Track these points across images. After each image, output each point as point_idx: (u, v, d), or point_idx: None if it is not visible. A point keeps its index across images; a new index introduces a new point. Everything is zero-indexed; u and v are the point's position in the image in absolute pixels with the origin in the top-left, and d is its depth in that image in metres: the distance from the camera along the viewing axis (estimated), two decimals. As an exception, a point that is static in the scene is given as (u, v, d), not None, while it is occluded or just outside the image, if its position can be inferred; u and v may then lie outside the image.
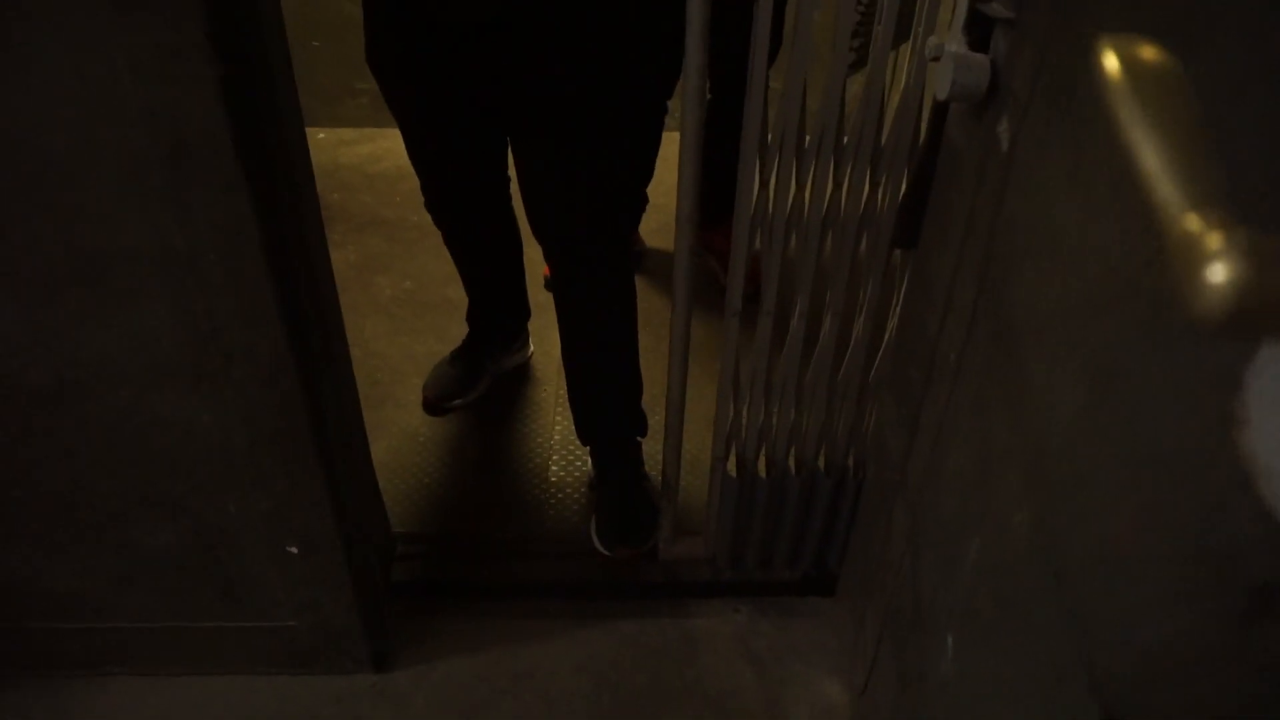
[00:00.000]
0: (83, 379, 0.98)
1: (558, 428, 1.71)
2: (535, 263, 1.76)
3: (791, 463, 1.31)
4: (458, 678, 1.28)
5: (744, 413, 1.26)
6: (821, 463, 1.32)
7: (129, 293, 0.92)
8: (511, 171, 1.41)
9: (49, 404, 1.00)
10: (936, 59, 0.94)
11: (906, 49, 1.08)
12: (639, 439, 1.52)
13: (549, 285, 2.07)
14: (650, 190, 1.48)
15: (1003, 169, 0.78)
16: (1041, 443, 0.62)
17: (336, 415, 1.11)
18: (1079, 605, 0.55)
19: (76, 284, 0.91)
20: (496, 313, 1.76)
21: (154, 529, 1.11)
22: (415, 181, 1.38)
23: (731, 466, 1.31)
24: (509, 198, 1.55)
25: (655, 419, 1.59)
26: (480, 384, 1.77)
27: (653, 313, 1.92)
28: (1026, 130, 0.72)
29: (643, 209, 1.41)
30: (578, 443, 1.56)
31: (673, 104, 1.26)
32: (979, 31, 0.88)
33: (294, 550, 1.13)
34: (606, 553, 1.42)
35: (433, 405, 1.72)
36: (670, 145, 1.42)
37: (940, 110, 1.00)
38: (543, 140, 1.22)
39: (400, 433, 1.69)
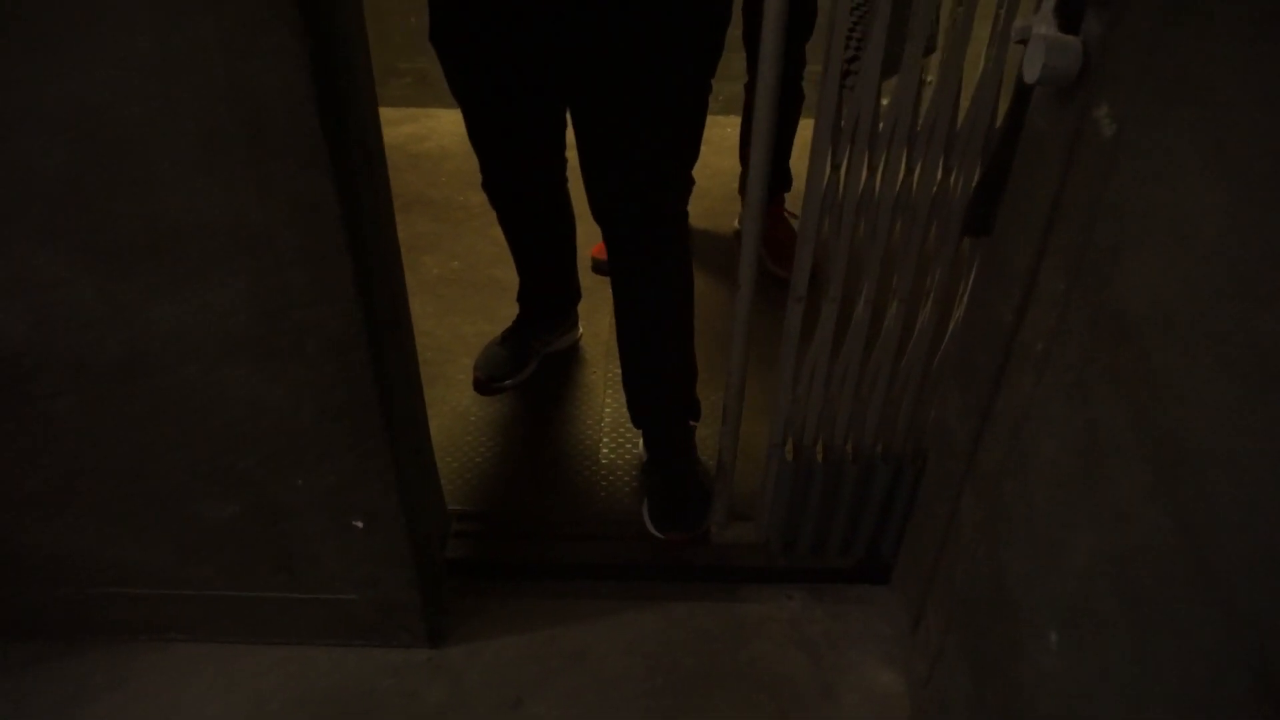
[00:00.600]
0: (155, 352, 0.99)
1: (608, 410, 1.71)
2: (584, 245, 1.75)
3: (849, 449, 1.30)
4: (511, 655, 1.29)
5: (804, 399, 1.25)
6: (879, 450, 1.31)
7: (204, 267, 0.93)
8: (570, 153, 1.41)
9: (121, 376, 1.01)
10: (1023, 41, 0.92)
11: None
12: (692, 423, 1.51)
13: (596, 268, 2.06)
14: (695, 172, 1.47)
15: (1105, 155, 0.76)
16: (1177, 437, 0.61)
17: (402, 391, 1.11)
18: (1242, 605, 0.53)
19: (153, 257, 0.92)
20: (547, 293, 1.77)
21: (220, 502, 1.13)
22: (460, 161, 1.39)
23: (788, 452, 1.31)
24: (565, 179, 1.55)
25: (706, 403, 1.59)
26: (530, 364, 1.78)
27: (698, 296, 1.91)
28: (1137, 114, 0.70)
29: (690, 189, 1.41)
30: (629, 425, 1.56)
31: (715, 85, 1.25)
32: (1070, 13, 0.86)
33: (359, 525, 1.14)
34: (659, 535, 1.42)
35: (483, 385, 1.73)
36: (713, 128, 1.41)
37: (1022, 94, 0.98)
38: (600, 115, 1.23)
39: (451, 412, 1.70)
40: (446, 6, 1.26)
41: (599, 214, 1.32)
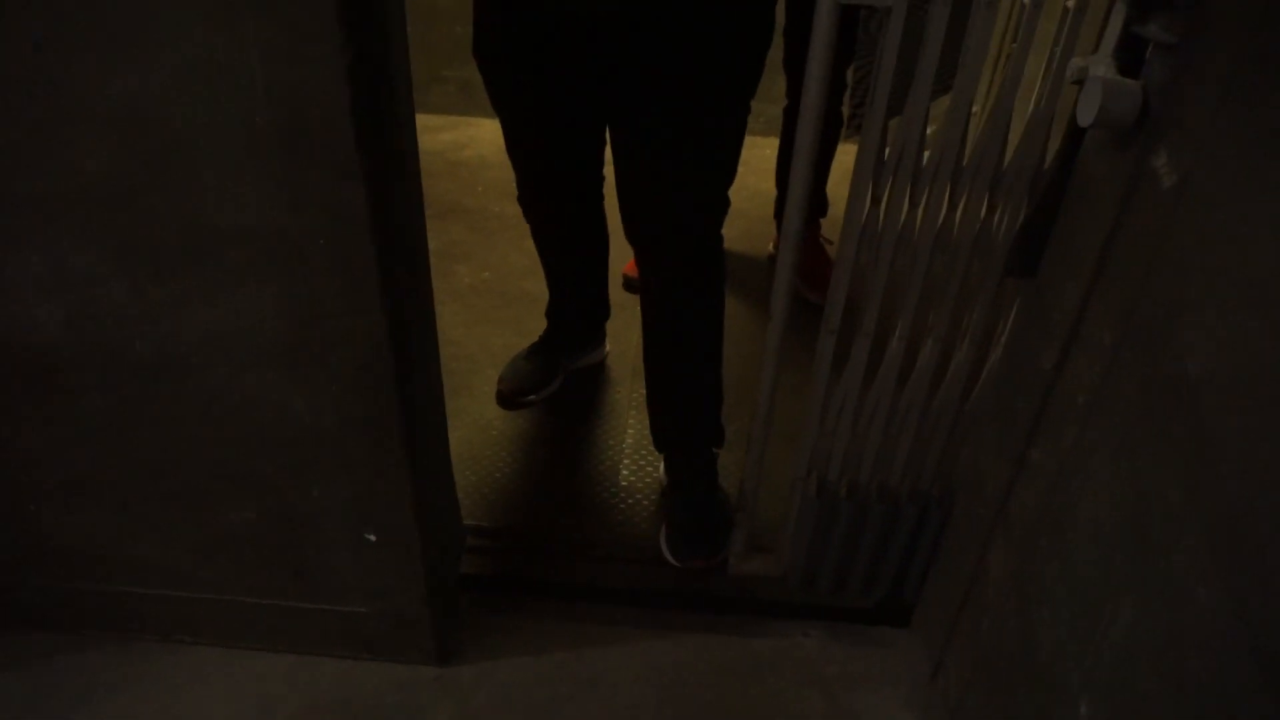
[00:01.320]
0: (184, 354, 0.99)
1: (630, 431, 1.69)
2: (615, 262, 1.74)
3: (874, 486, 1.27)
4: (520, 678, 1.27)
5: (831, 432, 1.23)
6: (905, 489, 1.27)
7: (237, 273, 0.92)
8: (607, 169, 1.40)
9: (150, 376, 1.01)
10: (1079, 82, 0.90)
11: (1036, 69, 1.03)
12: (716, 450, 1.49)
13: (628, 286, 2.05)
14: (732, 194, 1.46)
15: (1164, 206, 0.73)
16: (1236, 513, 0.58)
17: (425, 407, 1.10)
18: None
19: (187, 260, 0.92)
20: (577, 310, 1.75)
21: (238, 506, 1.12)
22: (499, 171, 1.39)
23: (811, 485, 1.28)
24: (601, 196, 1.54)
25: (731, 428, 1.56)
26: (555, 380, 1.76)
27: (728, 318, 1.89)
28: (1205, 166, 0.67)
29: (725, 211, 1.39)
30: (651, 448, 1.54)
31: (756, 107, 1.24)
32: (1131, 55, 0.83)
33: (372, 538, 1.13)
34: (676, 563, 1.40)
35: (507, 399, 1.72)
36: (751, 149, 1.40)
37: (1075, 136, 0.95)
38: (639, 135, 1.22)
39: (473, 424, 1.69)
40: (491, 21, 1.26)
41: (633, 233, 1.31)
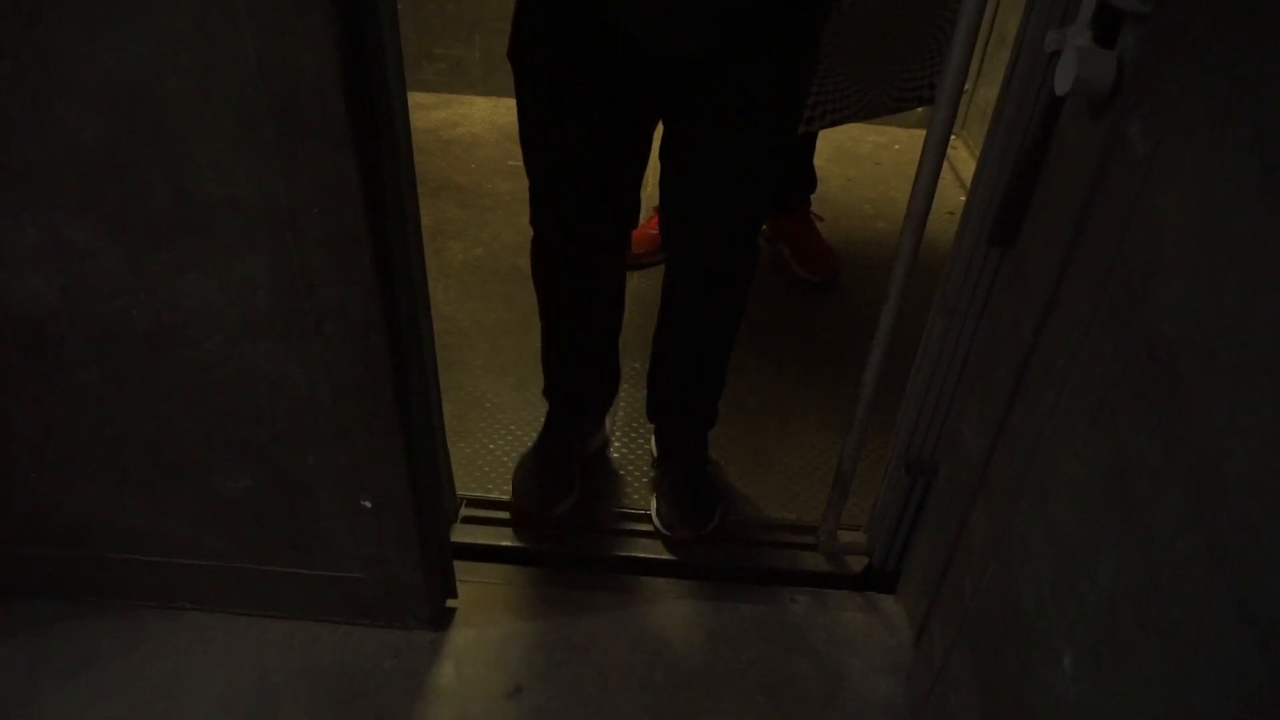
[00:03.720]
0: (180, 324, 1.01)
1: (622, 403, 1.71)
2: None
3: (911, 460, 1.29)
4: (513, 643, 1.30)
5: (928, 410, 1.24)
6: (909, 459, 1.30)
7: (231, 243, 0.94)
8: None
9: (146, 346, 1.03)
10: (1056, 53, 0.91)
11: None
12: (708, 429, 1.51)
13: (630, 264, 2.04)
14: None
15: (1138, 173, 0.74)
16: (1214, 467, 0.59)
17: (419, 375, 1.12)
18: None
19: (181, 230, 0.94)
20: (594, 385, 1.52)
21: (235, 474, 1.14)
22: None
23: (901, 465, 1.29)
24: (623, 260, 1.40)
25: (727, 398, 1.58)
26: (575, 484, 1.49)
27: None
28: (1177, 133, 0.69)
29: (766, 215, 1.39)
30: (642, 420, 1.56)
31: None
32: (1106, 26, 0.85)
33: (367, 505, 1.15)
34: (668, 534, 1.42)
35: (529, 519, 1.44)
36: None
37: (1052, 106, 0.97)
38: (699, 157, 1.17)
39: (466, 397, 1.71)
40: (534, 22, 1.10)
41: (675, 241, 1.27)
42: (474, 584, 1.37)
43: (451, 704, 1.22)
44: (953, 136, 1.70)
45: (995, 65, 2.64)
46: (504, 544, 1.43)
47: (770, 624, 1.34)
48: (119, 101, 0.85)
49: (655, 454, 1.56)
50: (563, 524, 1.44)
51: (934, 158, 1.07)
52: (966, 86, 1.16)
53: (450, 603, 1.34)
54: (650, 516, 1.46)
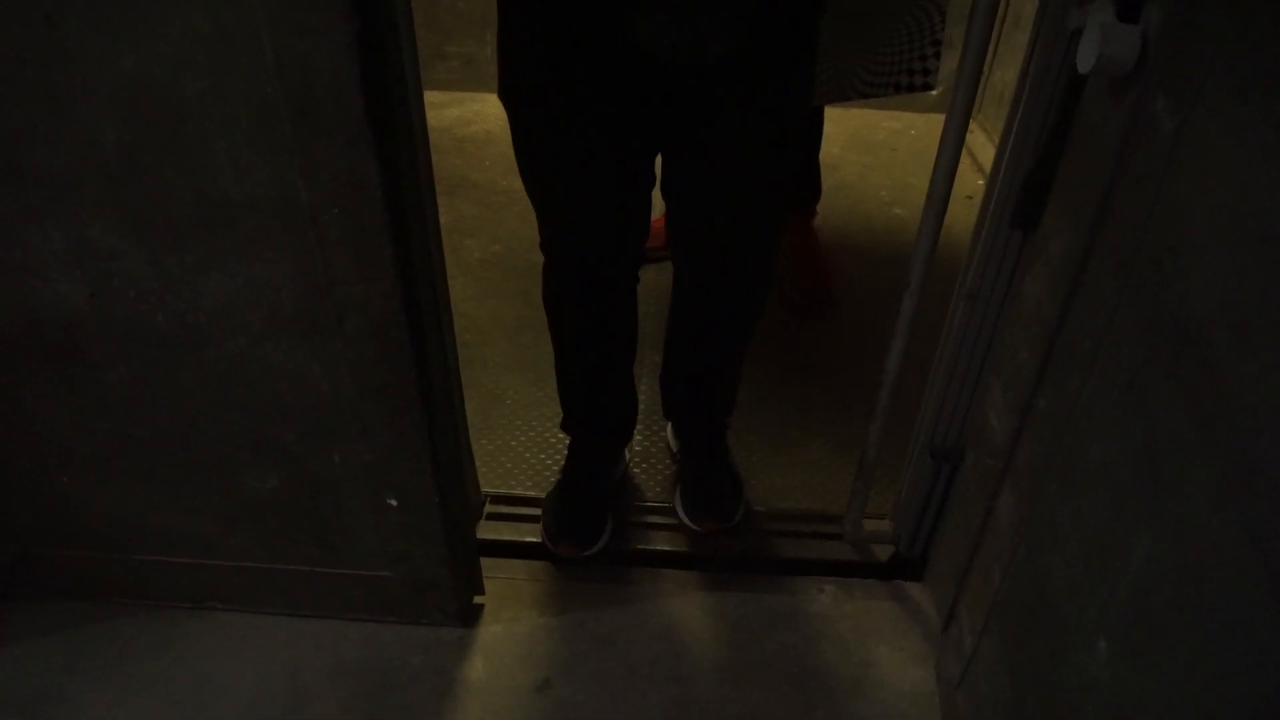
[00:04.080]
0: (204, 325, 1.01)
1: (642, 397, 1.71)
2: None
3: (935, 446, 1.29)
4: (541, 637, 1.30)
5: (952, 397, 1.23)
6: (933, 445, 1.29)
7: (252, 243, 0.94)
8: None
9: (171, 347, 1.04)
10: (1077, 31, 0.90)
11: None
12: (727, 418, 1.51)
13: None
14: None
15: (1164, 150, 0.73)
16: (1248, 446, 0.58)
17: (440, 372, 1.12)
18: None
19: (203, 231, 0.94)
20: (617, 416, 1.45)
21: (261, 474, 1.15)
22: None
23: (926, 452, 1.28)
24: (635, 290, 1.33)
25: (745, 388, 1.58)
26: (609, 522, 1.44)
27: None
28: (1204, 109, 0.68)
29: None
30: (659, 412, 1.56)
31: None
32: (1129, 1, 0.83)
33: (393, 502, 1.15)
34: (694, 526, 1.42)
35: (573, 558, 1.41)
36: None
37: (1074, 85, 0.95)
38: (714, 177, 1.12)
39: (487, 394, 1.71)
40: (538, 79, 1.05)
41: (691, 255, 1.22)
42: (500, 580, 1.38)
43: (481, 699, 1.22)
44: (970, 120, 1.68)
45: (1012, 48, 2.61)
46: (529, 540, 1.43)
47: (796, 614, 1.34)
48: (138, 102, 0.85)
49: (673, 449, 1.55)
50: (597, 559, 1.41)
51: (954, 140, 1.06)
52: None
53: (477, 599, 1.35)
54: (674, 510, 1.46)
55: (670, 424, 1.56)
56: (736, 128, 1.07)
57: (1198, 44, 0.71)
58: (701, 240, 1.20)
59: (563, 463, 1.48)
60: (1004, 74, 2.69)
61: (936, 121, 1.14)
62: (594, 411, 1.42)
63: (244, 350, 1.03)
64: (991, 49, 2.73)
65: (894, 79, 1.64)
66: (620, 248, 1.21)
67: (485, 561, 1.37)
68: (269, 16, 0.79)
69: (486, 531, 1.45)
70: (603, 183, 1.11)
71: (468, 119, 2.75)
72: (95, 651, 1.27)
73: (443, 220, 1.18)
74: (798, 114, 1.13)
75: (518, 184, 1.52)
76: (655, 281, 1.90)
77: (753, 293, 1.28)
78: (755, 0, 0.98)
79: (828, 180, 2.12)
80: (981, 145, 2.68)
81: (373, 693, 1.23)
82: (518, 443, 1.61)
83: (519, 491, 1.51)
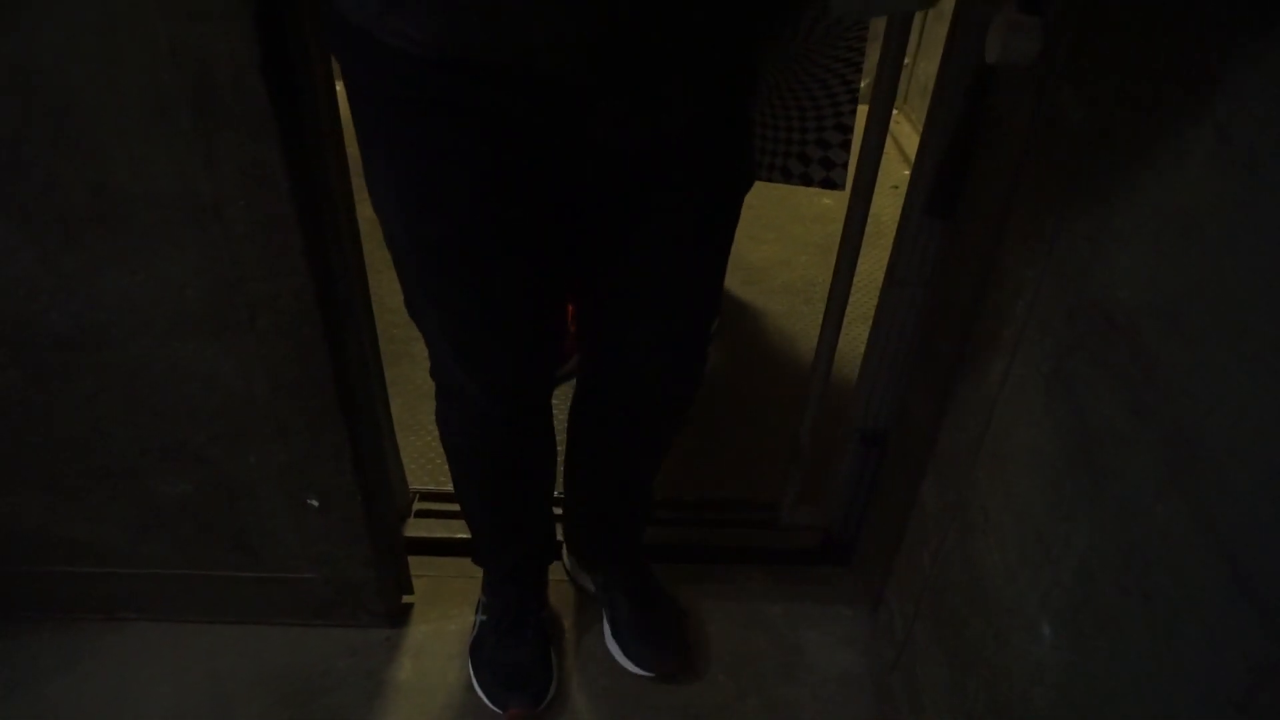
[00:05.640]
0: (103, 324, 0.97)
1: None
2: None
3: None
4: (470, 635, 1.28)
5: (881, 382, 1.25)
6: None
7: (153, 238, 0.90)
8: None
9: (68, 349, 0.99)
10: (986, 23, 0.92)
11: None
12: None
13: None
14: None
15: (1076, 139, 0.75)
16: (1188, 431, 0.59)
17: (358, 368, 1.09)
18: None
19: (98, 226, 0.90)
20: (532, 551, 1.27)
21: (172, 478, 1.11)
22: None
23: (856, 436, 1.30)
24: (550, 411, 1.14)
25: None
26: (553, 661, 1.23)
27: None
28: (1115, 99, 0.69)
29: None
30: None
31: None
32: (1033, -7, 0.85)
33: (314, 503, 1.12)
34: (646, 672, 1.22)
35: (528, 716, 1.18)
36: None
37: (983, 76, 0.97)
38: (651, 267, 0.92)
39: (415, 390, 1.68)
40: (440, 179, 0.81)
41: (623, 384, 1.04)
42: (430, 578, 1.35)
43: (410, 699, 1.20)
44: (894, 111, 1.69)
45: (934, 40, 2.66)
46: (460, 536, 1.41)
47: (727, 602, 1.34)
48: (23, 91, 0.80)
49: (588, 587, 1.32)
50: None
51: (878, 130, 1.08)
52: (906, 60, 1.15)
53: (406, 598, 1.32)
54: (610, 652, 1.25)
55: (571, 559, 1.34)
56: (692, 199, 0.88)
57: (1099, 34, 0.72)
58: (626, 347, 1.00)
59: (481, 599, 1.27)
60: (928, 66, 2.74)
61: (862, 113, 1.15)
62: (519, 552, 1.24)
63: (148, 350, 0.99)
64: (915, 41, 2.78)
65: (784, 162, 1.40)
66: (543, 365, 1.04)
67: (414, 560, 1.34)
68: (160, 0, 0.76)
69: (415, 529, 1.42)
70: (516, 307, 0.91)
71: (394, 108, 2.69)
72: (-2, 669, 1.21)
73: (369, 212, 1.13)
74: (740, 194, 0.94)
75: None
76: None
77: (681, 407, 1.10)
78: (712, 62, 0.81)
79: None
80: (907, 135, 2.73)
81: (298, 698, 1.19)
82: (447, 439, 1.58)
83: (448, 488, 1.48)
